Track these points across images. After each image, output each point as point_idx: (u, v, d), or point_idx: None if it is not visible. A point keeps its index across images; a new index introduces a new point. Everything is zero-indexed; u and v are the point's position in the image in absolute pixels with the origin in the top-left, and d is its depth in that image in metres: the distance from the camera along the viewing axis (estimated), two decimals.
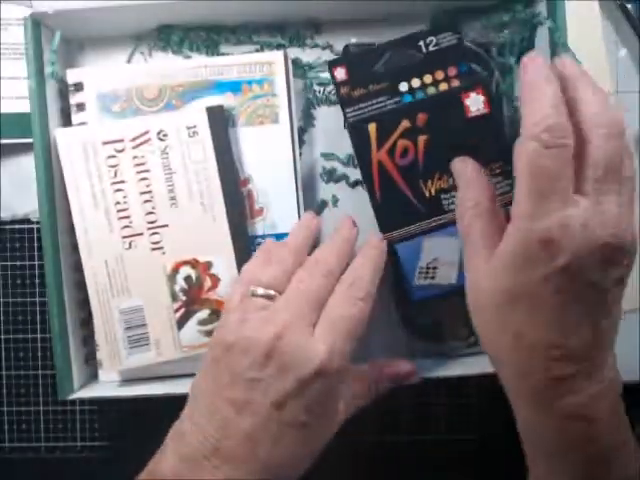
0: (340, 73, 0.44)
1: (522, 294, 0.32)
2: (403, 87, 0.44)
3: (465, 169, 0.40)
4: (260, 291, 0.38)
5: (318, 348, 0.36)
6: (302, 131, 0.49)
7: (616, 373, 0.33)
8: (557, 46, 0.43)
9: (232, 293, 0.40)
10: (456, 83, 0.43)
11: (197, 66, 0.46)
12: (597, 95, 0.32)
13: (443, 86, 0.43)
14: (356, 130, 0.44)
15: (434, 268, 0.44)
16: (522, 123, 0.32)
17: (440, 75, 0.43)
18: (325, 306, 0.38)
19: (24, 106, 0.45)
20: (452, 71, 0.43)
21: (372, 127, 0.43)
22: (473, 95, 0.43)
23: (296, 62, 0.48)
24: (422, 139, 0.43)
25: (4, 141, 0.50)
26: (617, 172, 0.31)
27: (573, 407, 0.32)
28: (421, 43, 0.44)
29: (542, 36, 0.45)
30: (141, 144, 0.45)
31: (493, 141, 0.43)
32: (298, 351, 0.36)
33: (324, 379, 0.36)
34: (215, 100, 0.46)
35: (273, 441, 0.35)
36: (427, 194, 0.43)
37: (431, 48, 0.43)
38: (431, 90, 0.44)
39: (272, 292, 0.38)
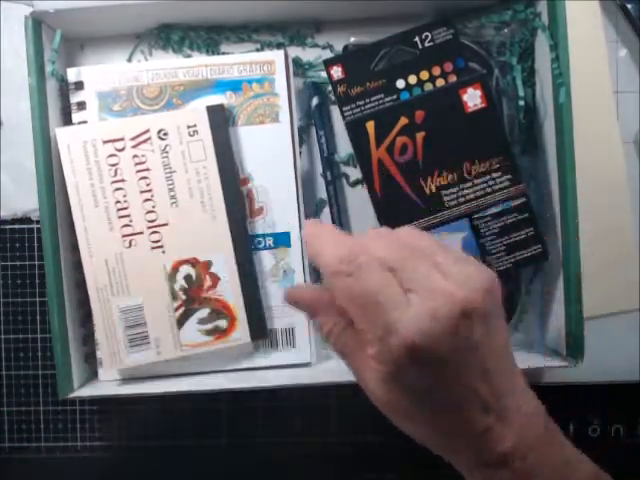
0: (337, 72, 0.44)
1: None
2: (400, 84, 0.44)
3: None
4: None
5: None
6: (302, 130, 0.49)
7: (534, 406, 0.31)
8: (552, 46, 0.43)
9: None
10: (453, 78, 0.43)
11: (197, 65, 0.46)
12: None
13: (440, 82, 0.44)
14: (354, 128, 0.44)
15: None
16: (321, 272, 0.32)
17: (437, 71, 0.44)
18: None
19: None
20: (448, 67, 0.43)
21: (370, 125, 0.43)
22: (470, 90, 0.43)
23: (296, 61, 0.48)
24: (420, 136, 0.43)
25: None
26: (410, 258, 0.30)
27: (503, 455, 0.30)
28: (417, 39, 0.44)
29: (542, 35, 0.45)
30: (141, 143, 0.45)
31: (492, 136, 0.43)
32: None
33: None
34: (215, 99, 0.46)
35: None
36: (427, 191, 0.43)
37: (427, 44, 0.44)
38: (428, 86, 0.44)
39: None
